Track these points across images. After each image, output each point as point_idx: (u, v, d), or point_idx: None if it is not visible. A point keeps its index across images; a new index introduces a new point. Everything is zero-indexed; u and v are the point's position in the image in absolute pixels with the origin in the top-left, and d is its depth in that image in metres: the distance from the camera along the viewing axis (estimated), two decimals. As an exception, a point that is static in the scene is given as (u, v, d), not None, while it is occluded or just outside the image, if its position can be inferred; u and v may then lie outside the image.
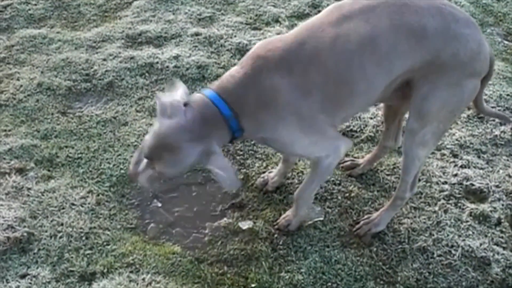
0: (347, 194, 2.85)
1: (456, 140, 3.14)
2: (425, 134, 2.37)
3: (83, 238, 2.55)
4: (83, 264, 2.46)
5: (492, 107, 3.31)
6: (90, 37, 3.57)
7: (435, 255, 2.62)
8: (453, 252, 2.63)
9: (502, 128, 3.21)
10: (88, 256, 2.49)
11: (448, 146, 3.11)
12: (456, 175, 2.95)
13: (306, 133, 2.28)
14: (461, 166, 3.00)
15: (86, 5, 3.87)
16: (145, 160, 2.23)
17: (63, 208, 2.65)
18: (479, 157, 3.07)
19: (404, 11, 2.19)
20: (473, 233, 2.71)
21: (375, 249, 2.64)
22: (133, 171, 2.27)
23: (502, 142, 3.16)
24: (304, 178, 2.59)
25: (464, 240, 2.67)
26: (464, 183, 2.91)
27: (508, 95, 3.40)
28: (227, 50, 3.58)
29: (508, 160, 3.06)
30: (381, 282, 2.52)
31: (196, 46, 3.56)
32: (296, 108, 2.20)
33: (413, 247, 2.64)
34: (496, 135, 3.18)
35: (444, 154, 3.07)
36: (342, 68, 2.19)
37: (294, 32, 2.30)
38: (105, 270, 2.44)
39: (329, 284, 2.50)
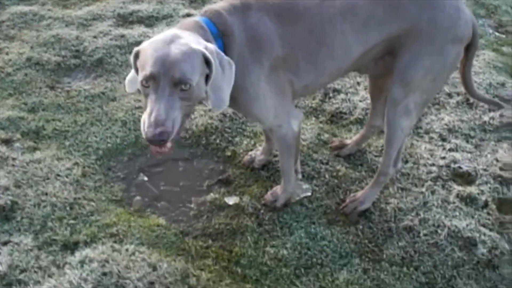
0: (334, 173, 2.84)
1: (445, 124, 3.14)
2: (408, 104, 2.37)
3: (67, 208, 2.53)
4: (66, 233, 2.43)
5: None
6: (81, 15, 3.55)
7: (421, 234, 2.60)
8: (439, 231, 2.62)
9: (491, 114, 3.22)
10: (71, 225, 2.47)
11: (436, 130, 3.11)
12: (444, 158, 2.95)
13: (270, 90, 2.24)
14: (449, 150, 3.00)
15: (77, -17, 3.87)
16: (152, 97, 1.85)
17: (48, 179, 2.63)
18: (467, 141, 3.07)
19: None
20: (460, 214, 2.70)
21: (361, 227, 2.63)
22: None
23: (491, 128, 3.16)
24: None
25: (450, 220, 2.66)
26: (452, 165, 2.91)
27: (498, 83, 3.41)
28: (219, 31, 3.56)
29: (496, 145, 3.06)
30: (367, 259, 2.51)
31: (187, 27, 3.54)
32: (274, 58, 2.18)
33: (399, 226, 2.63)
34: (485, 121, 3.18)
35: (432, 138, 3.07)
36: (325, 29, 2.21)
37: None
38: (88, 240, 2.42)
39: (314, 259, 2.48)
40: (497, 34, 3.89)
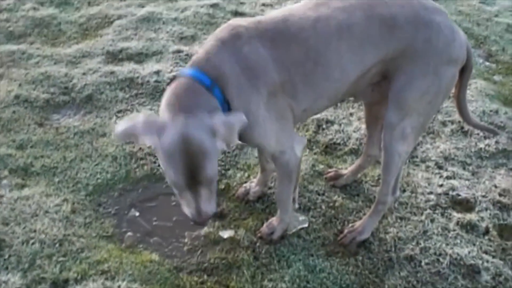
0: (331, 204, 2.77)
1: (441, 152, 3.10)
2: (405, 128, 2.32)
3: (56, 245, 2.43)
4: (56, 271, 2.33)
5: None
6: (70, 53, 3.52)
7: (422, 264, 2.53)
8: (441, 260, 2.55)
9: (486, 141, 3.19)
10: (61, 263, 2.37)
11: (432, 158, 3.06)
12: (441, 185, 2.90)
13: (271, 117, 2.19)
14: (446, 177, 2.95)
15: (66, 23, 3.84)
16: (187, 196, 2.00)
17: (36, 215, 2.54)
18: (464, 168, 3.03)
19: (375, 5, 2.22)
20: (461, 241, 2.64)
21: (360, 258, 2.55)
22: (199, 217, 2.03)
23: (487, 155, 3.12)
24: None
25: (452, 248, 2.59)
26: (450, 193, 2.86)
27: (491, 110, 3.39)
28: (209, 66, 3.54)
29: (493, 171, 3.02)
30: (368, 291, 2.44)
31: (177, 63, 3.53)
32: (271, 84, 2.13)
33: (400, 256, 2.56)
34: (481, 148, 3.15)
35: (428, 166, 3.02)
36: (321, 49, 2.17)
37: (273, 12, 2.28)
38: (79, 277, 2.32)
39: (314, 293, 2.40)
40: (487, 63, 3.90)
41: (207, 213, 2.02)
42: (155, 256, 2.48)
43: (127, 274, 2.36)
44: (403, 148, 2.39)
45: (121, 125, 1.93)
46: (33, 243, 2.42)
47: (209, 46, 2.11)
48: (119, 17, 3.89)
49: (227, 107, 2.08)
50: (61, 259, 2.38)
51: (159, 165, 2.88)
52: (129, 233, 2.57)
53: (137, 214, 2.67)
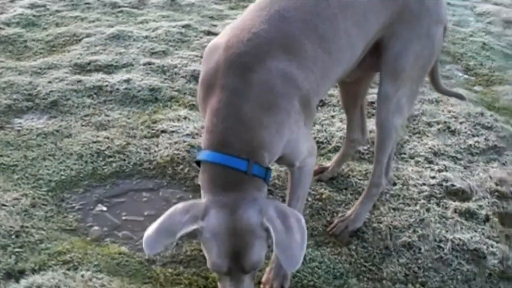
0: (317, 197, 2.55)
1: (429, 148, 2.93)
2: (400, 99, 2.19)
3: (12, 236, 2.14)
4: (10, 261, 2.03)
5: (461, 123, 3.17)
6: (35, 65, 3.33)
7: (422, 250, 2.30)
8: (442, 246, 2.33)
9: (475, 139, 3.04)
10: (16, 254, 2.06)
11: (421, 154, 2.89)
12: (434, 177, 2.71)
13: (304, 126, 1.92)
14: (438, 170, 2.77)
15: (33, 41, 3.67)
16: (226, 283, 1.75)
17: (-9, 208, 2.27)
18: (455, 163, 2.86)
19: None
20: (461, 228, 2.42)
21: (354, 247, 2.31)
22: None
23: (477, 151, 2.96)
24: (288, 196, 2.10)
25: (452, 234, 2.37)
26: (444, 184, 2.67)
27: (476, 113, 3.27)
28: (182, 77, 3.37)
29: (486, 165, 2.85)
30: (365, 279, 2.17)
31: (148, 73, 3.36)
32: (304, 94, 1.86)
33: (397, 243, 2.32)
34: (470, 145, 3.00)
35: (418, 161, 2.84)
36: (330, 35, 1.94)
37: (254, 15, 1.92)
38: (36, 267, 2.02)
39: (305, 281, 2.13)
40: (466, 76, 3.84)
41: None
42: (124, 249, 2.20)
43: (92, 264, 2.07)
44: (399, 122, 2.25)
45: (151, 229, 1.67)
46: (-15, 235, 2.14)
47: (213, 109, 1.76)
48: (88, 35, 3.74)
49: (270, 172, 1.82)
50: (17, 250, 2.09)
51: (128, 163, 2.66)
52: (95, 227, 2.29)
53: (105, 209, 2.40)
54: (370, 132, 2.79)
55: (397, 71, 2.14)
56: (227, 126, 1.73)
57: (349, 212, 2.41)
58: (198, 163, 1.83)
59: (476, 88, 3.71)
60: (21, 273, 2.00)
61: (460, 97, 2.76)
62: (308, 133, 2.00)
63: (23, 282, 1.95)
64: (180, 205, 1.70)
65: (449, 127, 3.12)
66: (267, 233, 1.66)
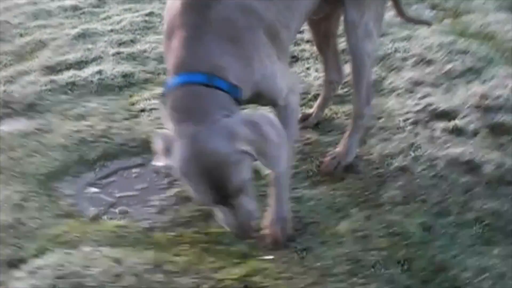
0: (305, 142, 2.54)
1: (408, 79, 2.93)
2: (367, 23, 2.19)
3: (7, 228, 2.12)
4: (9, 252, 2.01)
5: (436, 52, 3.18)
6: (7, 75, 3.30)
7: (417, 171, 2.30)
8: (436, 163, 2.33)
9: (452, 63, 3.04)
10: (13, 244, 2.05)
11: (400, 86, 2.89)
12: (417, 104, 2.72)
13: (278, 59, 1.88)
14: (420, 98, 2.77)
15: (0, 54, 3.65)
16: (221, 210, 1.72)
17: (-19, 207, 2.25)
18: (436, 88, 2.86)
19: None
20: (452, 144, 2.43)
21: (349, 180, 2.31)
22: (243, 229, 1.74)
23: (456, 74, 2.97)
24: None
25: (445, 151, 2.38)
26: (428, 108, 2.67)
27: (449, 41, 3.26)
28: (153, 59, 3.36)
29: (466, 85, 2.85)
30: (365, 207, 2.17)
31: (119, 62, 3.34)
32: (268, 24, 1.82)
33: (391, 169, 2.33)
34: (448, 70, 2.99)
35: (399, 93, 2.84)
36: None
37: None
38: (36, 253, 2.00)
39: (306, 220, 2.12)
40: (434, 11, 3.84)
41: (249, 225, 1.74)
42: (122, 222, 2.18)
43: (91, 241, 2.06)
44: (370, 46, 2.24)
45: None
46: (-22, 231, 2.12)
47: (178, 39, 1.72)
48: (54, 39, 3.70)
49: (240, 90, 1.74)
50: (13, 241, 2.07)
51: (113, 145, 2.64)
52: (91, 208, 2.27)
53: (97, 190, 2.38)
54: (348, 75, 2.79)
55: None
56: (188, 52, 1.69)
57: (338, 148, 2.41)
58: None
59: (446, 21, 3.71)
60: (22, 261, 1.98)
61: (426, 23, 2.77)
62: (284, 68, 1.97)
63: (25, 267, 1.94)
64: (156, 135, 1.68)
65: (424, 58, 3.11)
66: (243, 154, 1.60)
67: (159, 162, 1.66)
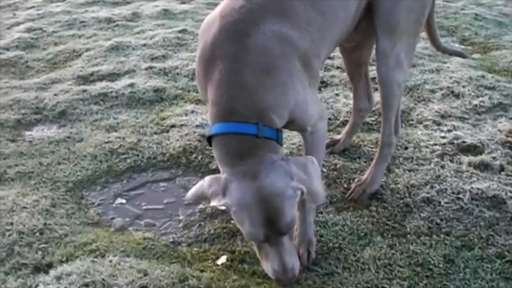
0: (332, 167, 2.57)
1: (436, 112, 2.96)
2: (398, 54, 2.22)
3: (37, 234, 2.16)
4: (37, 256, 2.05)
5: (464, 86, 3.19)
6: (39, 82, 3.38)
7: (442, 203, 2.31)
8: (461, 197, 2.34)
9: (480, 99, 3.07)
10: (42, 249, 2.09)
11: (428, 118, 2.92)
12: (444, 137, 2.74)
13: (309, 87, 1.95)
14: (447, 131, 2.80)
15: (34, 60, 3.73)
16: (267, 250, 1.79)
17: (13, 211, 2.27)
18: (463, 122, 2.88)
19: None
20: (478, 179, 2.44)
21: (374, 208, 2.33)
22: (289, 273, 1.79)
23: (484, 110, 2.99)
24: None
25: (470, 185, 2.39)
26: (455, 141, 2.69)
27: (478, 76, 3.30)
28: (184, 76, 3.43)
29: (493, 121, 2.88)
30: (389, 236, 2.18)
31: (151, 76, 3.41)
32: (302, 54, 1.88)
33: (416, 200, 2.34)
34: (476, 105, 3.02)
35: (426, 125, 2.87)
36: None
37: None
38: (64, 259, 2.04)
39: (331, 244, 2.14)
40: (463, 46, 3.88)
41: (293, 268, 1.79)
42: (148, 235, 2.22)
43: (118, 251, 2.09)
44: (400, 76, 2.26)
45: (191, 191, 1.81)
46: (10, 235, 2.14)
47: (215, 84, 1.79)
48: (87, 49, 3.80)
49: (281, 135, 1.85)
50: (42, 245, 2.11)
51: (142, 158, 2.68)
52: (118, 219, 2.32)
53: (124, 201, 2.43)
54: (377, 103, 2.82)
55: (391, 27, 2.18)
56: (231, 94, 1.76)
57: (365, 176, 2.43)
58: (210, 141, 1.85)
59: (474, 56, 3.75)
60: (49, 266, 2.02)
61: (461, 54, 2.79)
62: (314, 94, 2.02)
63: (52, 272, 1.97)
64: (206, 180, 1.75)
65: (452, 91, 3.15)
66: (296, 192, 1.71)
67: (215, 203, 1.72)
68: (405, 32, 2.21)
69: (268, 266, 1.81)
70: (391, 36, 2.19)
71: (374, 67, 2.41)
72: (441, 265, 2.04)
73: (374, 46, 2.31)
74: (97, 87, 3.29)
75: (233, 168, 1.74)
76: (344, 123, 2.89)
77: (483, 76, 3.30)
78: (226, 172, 1.75)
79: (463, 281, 1.97)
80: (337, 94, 3.16)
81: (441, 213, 2.27)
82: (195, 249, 2.15)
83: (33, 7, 5.06)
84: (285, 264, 1.77)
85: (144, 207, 2.40)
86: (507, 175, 2.46)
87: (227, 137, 1.77)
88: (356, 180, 2.45)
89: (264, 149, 1.76)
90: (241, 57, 1.78)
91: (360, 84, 2.61)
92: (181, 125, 2.89)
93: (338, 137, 2.73)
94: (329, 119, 2.95)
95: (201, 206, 2.37)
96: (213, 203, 1.74)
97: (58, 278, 1.93)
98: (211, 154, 2.69)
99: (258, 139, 1.75)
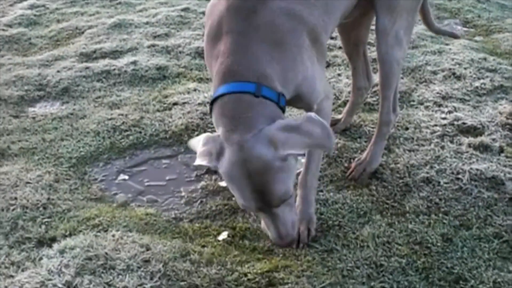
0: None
1: (437, 93, 2.97)
2: (398, 31, 2.24)
3: (40, 208, 2.19)
4: (41, 230, 2.08)
5: (466, 68, 3.20)
6: (42, 59, 3.40)
7: (441, 183, 2.34)
8: (460, 177, 2.36)
9: (481, 81, 3.08)
10: (46, 223, 2.12)
11: (430, 99, 2.93)
12: (445, 118, 2.75)
13: (318, 63, 1.95)
14: (448, 112, 2.81)
15: (37, 37, 3.74)
16: (263, 217, 1.80)
17: (17, 186, 2.31)
18: (464, 104, 2.89)
19: None
20: (477, 160, 2.46)
21: (374, 187, 2.35)
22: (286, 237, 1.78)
23: (485, 92, 3.00)
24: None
25: (469, 166, 2.41)
26: (456, 123, 2.71)
27: (479, 58, 3.30)
28: (187, 54, 3.44)
29: (494, 103, 2.89)
30: (388, 214, 2.21)
31: (154, 54, 3.42)
32: (311, 29, 1.88)
33: (416, 180, 2.36)
34: (477, 87, 3.03)
35: (427, 106, 2.88)
36: None
37: None
38: (67, 233, 2.07)
39: (330, 222, 2.17)
40: (465, 28, 3.88)
41: (287, 235, 1.76)
42: (151, 211, 2.25)
43: (121, 225, 2.12)
44: (400, 54, 2.29)
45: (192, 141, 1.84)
46: (14, 209, 2.18)
47: (224, 47, 1.78)
48: (90, 27, 3.81)
49: (284, 98, 1.82)
50: (46, 220, 2.14)
51: (144, 135, 2.71)
52: (121, 194, 2.35)
53: (127, 177, 2.46)
54: (376, 85, 2.83)
55: (392, 4, 2.20)
56: (235, 59, 1.75)
57: (364, 155, 2.45)
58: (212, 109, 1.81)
59: (477, 38, 3.75)
60: (53, 240, 2.06)
61: (453, 35, 2.80)
62: (322, 72, 2.04)
63: (55, 246, 2.00)
64: (203, 136, 1.76)
65: (454, 73, 3.15)
66: (287, 160, 1.66)
67: (203, 161, 1.72)
68: (404, 9, 2.23)
69: (266, 231, 1.82)
70: (391, 13, 2.20)
71: (372, 47, 2.43)
72: (439, 244, 2.07)
73: (372, 25, 2.33)
74: (100, 64, 3.30)
75: (227, 133, 1.70)
76: (345, 103, 2.90)
77: (484, 59, 3.30)
78: (221, 134, 1.72)
79: (461, 260, 2.00)
80: (339, 74, 3.17)
81: (440, 193, 2.30)
82: (197, 225, 2.18)
83: (35, -16, 5.06)
84: (280, 233, 1.74)
85: (146, 184, 2.43)
86: (507, 157, 2.48)
87: (225, 97, 1.73)
88: (356, 159, 2.48)
89: (260, 114, 1.70)
90: (249, 34, 1.77)
91: (358, 63, 2.62)
92: (184, 103, 2.91)
93: (339, 116, 2.75)
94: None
95: (203, 183, 2.41)
96: (200, 161, 1.73)
97: (62, 252, 1.96)
98: (213, 132, 2.71)
99: (256, 99, 1.71)
